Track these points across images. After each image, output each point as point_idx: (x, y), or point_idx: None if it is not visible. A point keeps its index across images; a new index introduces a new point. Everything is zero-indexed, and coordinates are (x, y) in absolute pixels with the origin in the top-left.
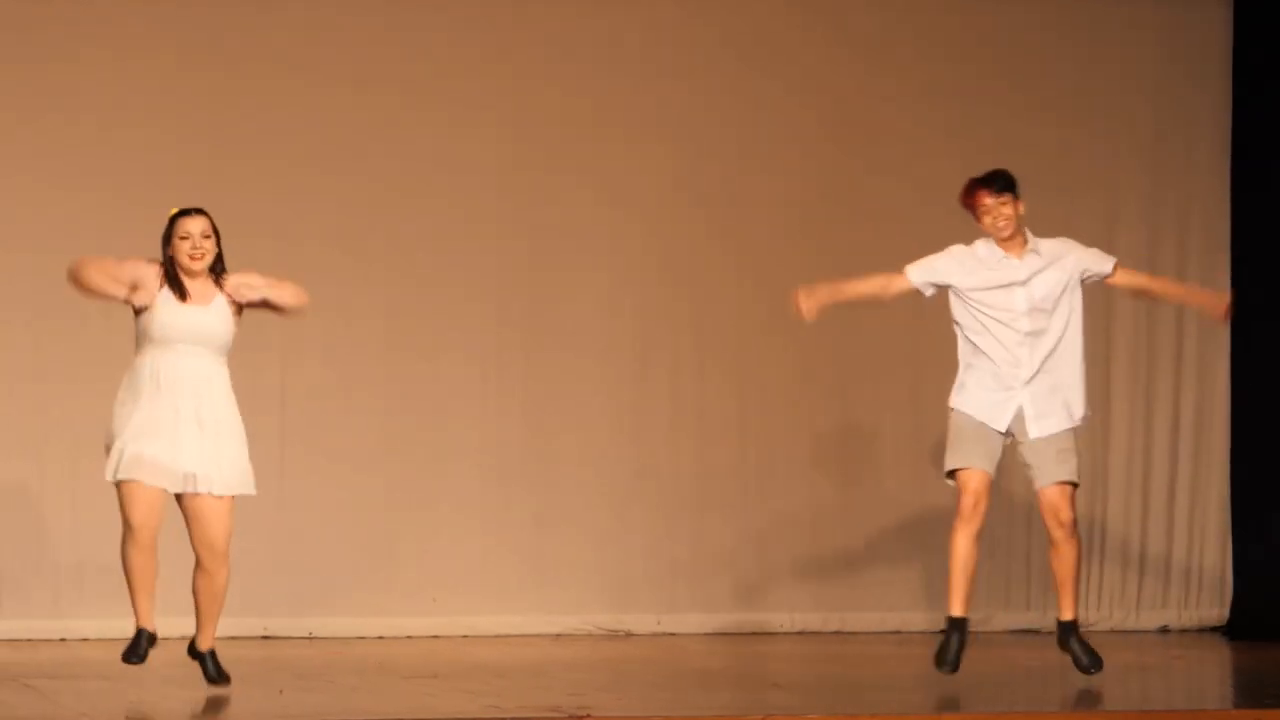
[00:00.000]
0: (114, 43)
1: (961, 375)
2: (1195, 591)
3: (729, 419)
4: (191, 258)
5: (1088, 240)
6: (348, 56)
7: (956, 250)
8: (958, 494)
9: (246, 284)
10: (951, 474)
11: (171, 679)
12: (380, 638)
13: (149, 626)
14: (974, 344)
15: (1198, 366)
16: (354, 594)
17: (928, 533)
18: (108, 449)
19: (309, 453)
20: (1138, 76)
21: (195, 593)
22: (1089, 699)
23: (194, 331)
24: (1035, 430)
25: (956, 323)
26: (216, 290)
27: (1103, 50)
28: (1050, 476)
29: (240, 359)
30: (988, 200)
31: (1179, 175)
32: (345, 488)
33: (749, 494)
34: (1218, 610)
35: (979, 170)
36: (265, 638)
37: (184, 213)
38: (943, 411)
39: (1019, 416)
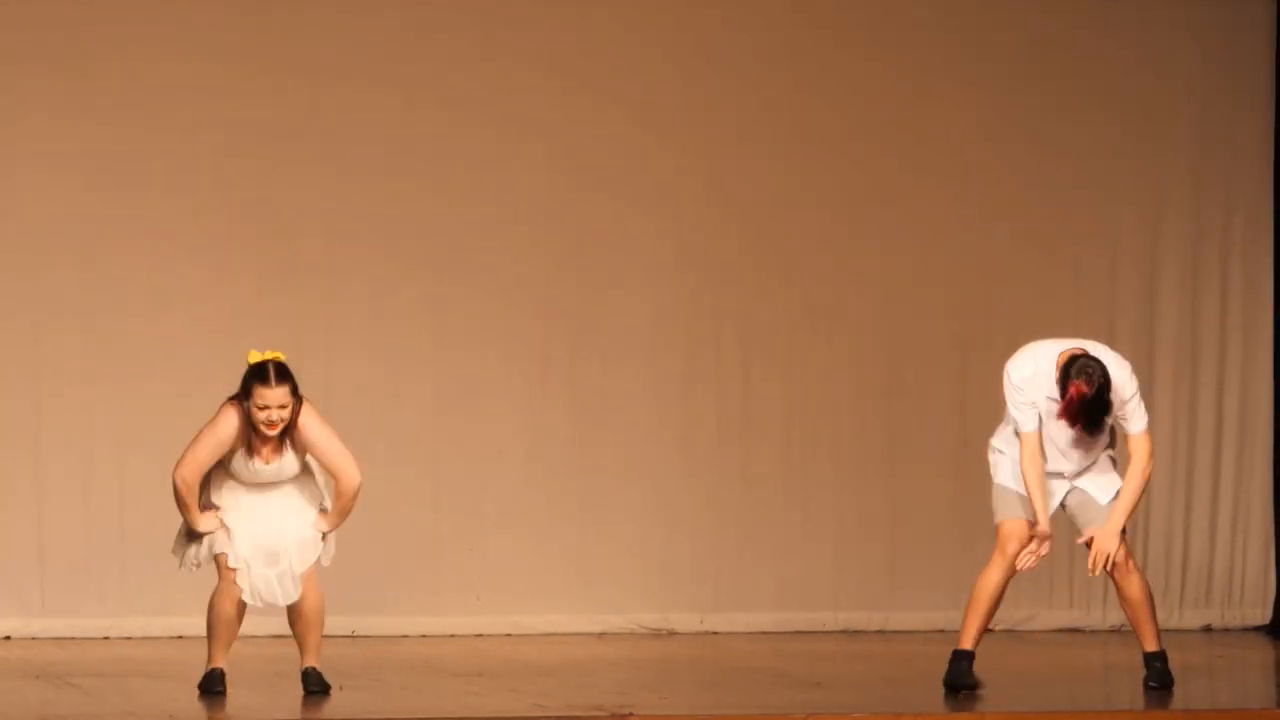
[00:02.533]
0: (163, 45)
1: (1004, 444)
2: (1238, 591)
3: (773, 419)
4: (268, 427)
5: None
6: (394, 63)
7: (1023, 381)
8: (1002, 537)
9: (314, 440)
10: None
11: None
12: (424, 636)
13: (220, 665)
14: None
15: (1241, 366)
16: (398, 593)
17: (972, 533)
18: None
19: (354, 452)
20: (1180, 77)
21: (290, 622)
22: (1132, 698)
23: (267, 480)
24: (1096, 491)
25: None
26: (286, 447)
27: (1145, 51)
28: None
29: (287, 359)
30: (1069, 420)
31: (1222, 176)
32: (390, 487)
33: (793, 493)
34: (1261, 609)
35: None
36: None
37: (262, 379)
38: (987, 414)
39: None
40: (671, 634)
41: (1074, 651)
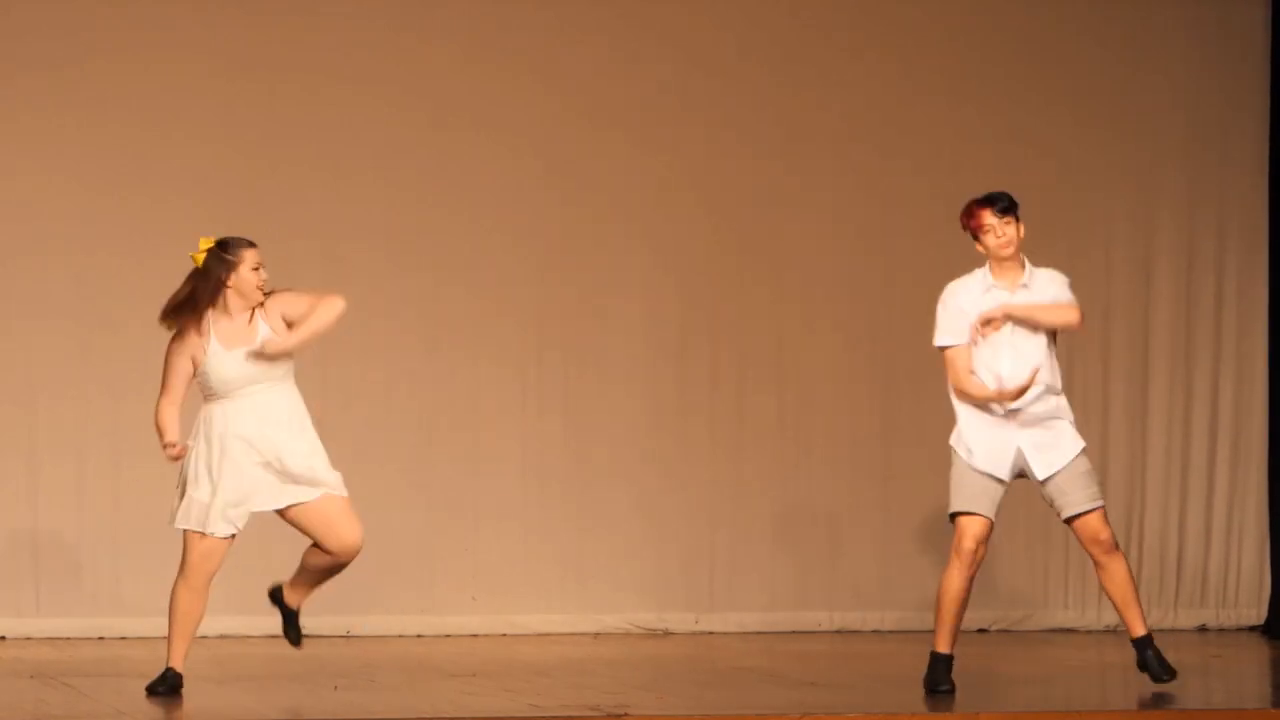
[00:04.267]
0: (161, 48)
1: (958, 412)
2: (1233, 590)
3: (767, 420)
4: (260, 289)
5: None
6: (389, 68)
7: (949, 293)
8: (957, 535)
9: (289, 305)
10: (953, 515)
11: (209, 676)
12: (419, 636)
13: (178, 667)
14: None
15: (1236, 365)
16: (393, 592)
17: None
18: (180, 493)
19: (349, 453)
20: (1174, 77)
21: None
22: (1127, 698)
23: (250, 375)
24: (1043, 470)
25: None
26: (256, 316)
27: (1139, 52)
28: (1078, 505)
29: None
30: (990, 219)
31: (1216, 176)
32: (386, 488)
33: (786, 494)
34: (1256, 609)
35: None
36: (303, 635)
37: (247, 241)
38: None
39: (1019, 457)
40: (666, 634)
41: (1069, 651)
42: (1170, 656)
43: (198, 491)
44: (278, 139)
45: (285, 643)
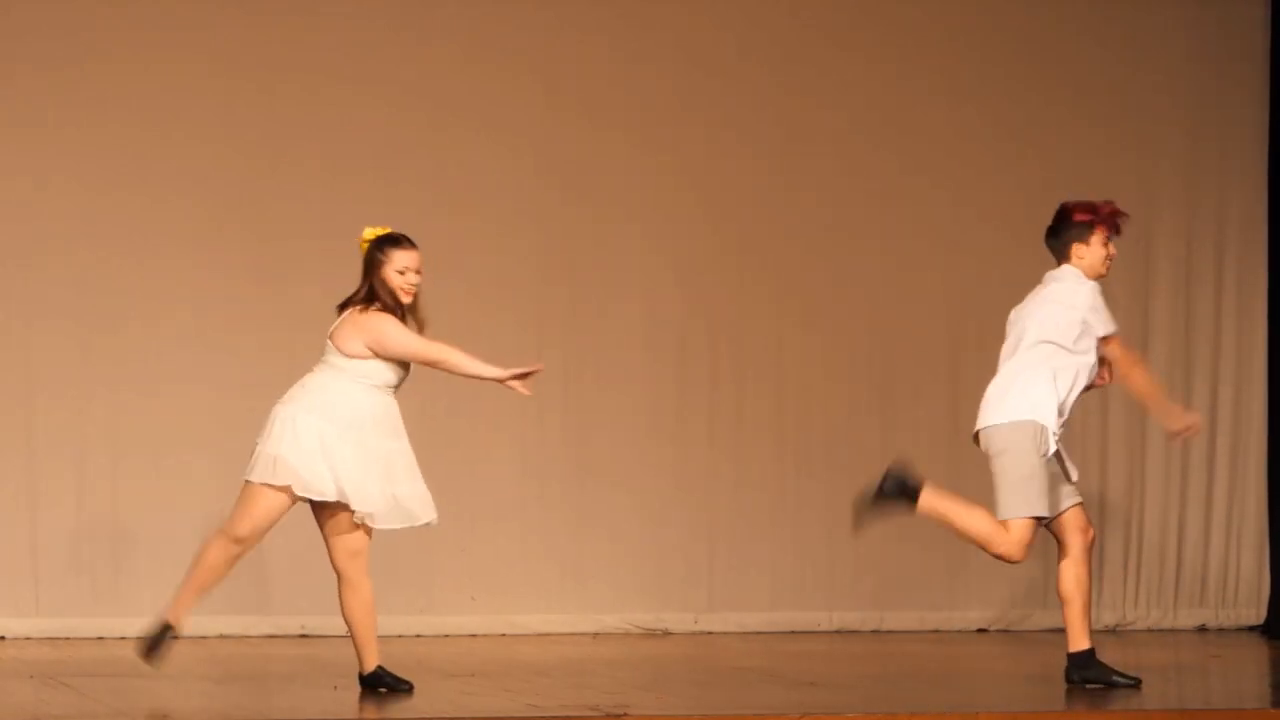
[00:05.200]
0: (160, 47)
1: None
2: (1233, 590)
3: (766, 420)
4: (405, 292)
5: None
6: (389, 68)
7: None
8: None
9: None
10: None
11: (207, 677)
12: (419, 636)
13: (176, 623)
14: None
15: (1235, 365)
16: (392, 592)
17: None
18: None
19: None
20: (1173, 79)
21: (352, 619)
22: (1127, 698)
23: (404, 379)
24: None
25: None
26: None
27: (1139, 52)
28: (1074, 496)
29: (283, 359)
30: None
31: (1216, 176)
32: None
33: (786, 494)
34: (1255, 609)
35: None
36: (303, 636)
37: (396, 242)
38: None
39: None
40: (666, 634)
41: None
42: (1170, 656)
43: (301, 457)
44: (278, 139)
45: (285, 643)
